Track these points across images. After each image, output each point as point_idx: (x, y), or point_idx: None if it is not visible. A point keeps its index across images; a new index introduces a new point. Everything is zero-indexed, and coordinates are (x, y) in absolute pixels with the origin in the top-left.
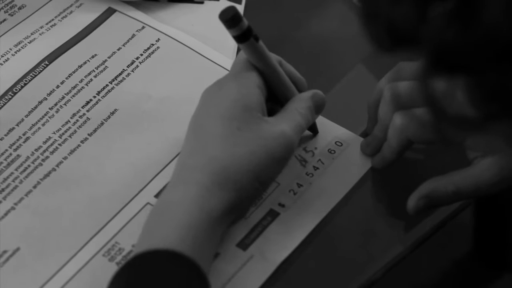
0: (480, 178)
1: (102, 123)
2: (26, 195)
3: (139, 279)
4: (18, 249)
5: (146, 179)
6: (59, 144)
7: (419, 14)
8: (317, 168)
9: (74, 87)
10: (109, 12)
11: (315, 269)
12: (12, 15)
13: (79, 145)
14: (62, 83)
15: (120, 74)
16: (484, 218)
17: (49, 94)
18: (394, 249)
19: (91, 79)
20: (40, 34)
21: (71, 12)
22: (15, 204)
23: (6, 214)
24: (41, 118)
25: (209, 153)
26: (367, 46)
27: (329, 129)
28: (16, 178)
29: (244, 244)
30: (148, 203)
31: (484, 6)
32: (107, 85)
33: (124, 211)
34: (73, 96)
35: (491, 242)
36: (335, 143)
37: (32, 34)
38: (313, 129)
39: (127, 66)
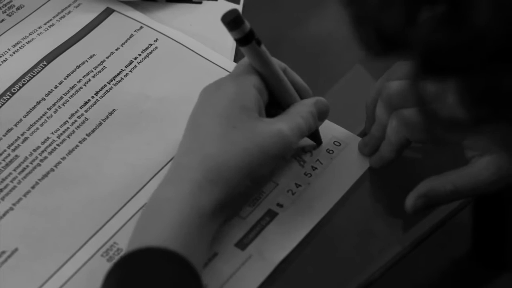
0: (478, 177)
1: (100, 123)
2: (24, 195)
3: (130, 277)
4: (16, 249)
5: (145, 179)
6: (58, 145)
7: (409, 18)
8: (316, 168)
9: (72, 87)
10: (107, 12)
11: (314, 269)
12: (10, 15)
13: (77, 146)
14: (60, 83)
15: (118, 74)
16: (483, 218)
17: (47, 95)
18: (393, 248)
19: (89, 79)
20: (38, 34)
21: (69, 12)
22: (14, 204)
23: (4, 214)
24: (39, 119)
25: (204, 151)
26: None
27: (328, 129)
28: (14, 178)
29: (242, 244)
30: (146, 203)
31: (473, 9)
32: (105, 85)
33: (122, 211)
34: (72, 96)
35: (490, 242)
36: (334, 143)
37: (30, 34)
38: (316, 138)
39: (125, 66)
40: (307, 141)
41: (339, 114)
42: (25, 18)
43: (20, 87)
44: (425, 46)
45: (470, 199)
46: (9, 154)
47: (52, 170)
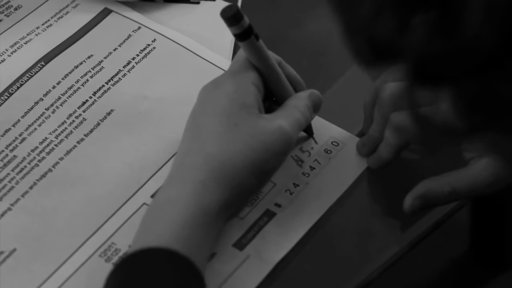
0: (476, 178)
1: (98, 124)
2: (22, 196)
3: (133, 277)
4: (14, 250)
5: (143, 180)
6: (56, 145)
7: (401, 26)
8: (314, 168)
9: (70, 88)
10: (105, 13)
11: (312, 269)
12: (8, 16)
13: (75, 146)
14: (58, 83)
15: (116, 74)
16: (481, 218)
17: (45, 95)
18: (391, 249)
19: (87, 80)
20: (36, 34)
21: (67, 12)
22: (11, 205)
23: (2, 215)
24: (37, 119)
25: (206, 150)
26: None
27: (326, 129)
28: (12, 179)
29: (240, 244)
30: (144, 203)
31: (465, 17)
32: (103, 86)
33: (120, 212)
34: (70, 96)
35: (488, 242)
36: (332, 143)
37: (28, 34)
38: (309, 130)
39: (123, 67)
40: (300, 134)
41: (337, 114)
42: (23, 18)
43: (18, 88)
44: (418, 54)
45: (468, 200)
46: (7, 155)
47: (50, 170)
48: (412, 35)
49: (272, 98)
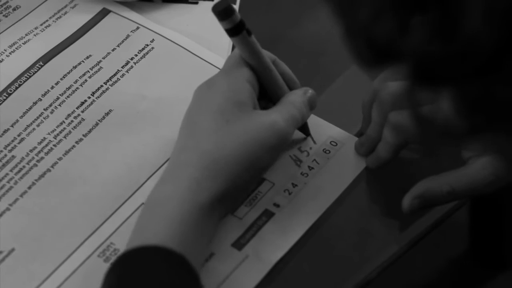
0: (475, 178)
1: (97, 124)
2: (21, 195)
3: (127, 276)
4: (13, 249)
5: (141, 180)
6: (54, 145)
7: (400, 28)
8: (312, 168)
9: (68, 88)
10: (104, 13)
11: (310, 269)
12: (6, 16)
13: (74, 146)
14: (56, 84)
15: (114, 74)
16: (479, 217)
17: (43, 95)
18: (390, 248)
19: (86, 80)
20: (34, 35)
21: (65, 13)
22: (10, 205)
23: (1, 215)
24: (36, 119)
25: (201, 148)
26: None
27: (324, 129)
28: (11, 179)
29: (239, 244)
30: (143, 203)
31: (465, 18)
32: (101, 86)
33: (119, 212)
34: (68, 97)
35: (486, 241)
36: (330, 143)
37: (26, 35)
38: (305, 130)
39: (121, 67)
40: (297, 134)
41: (336, 114)
42: (21, 18)
43: (17, 88)
44: (417, 56)
45: (466, 199)
46: (5, 155)
47: (48, 170)
48: (412, 36)
49: (266, 97)
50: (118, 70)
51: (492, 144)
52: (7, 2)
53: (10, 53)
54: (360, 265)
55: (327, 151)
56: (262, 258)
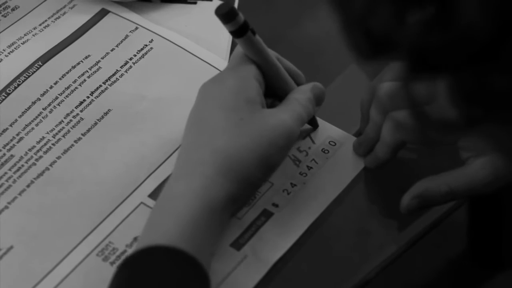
0: (473, 178)
1: (95, 123)
2: (19, 194)
3: (136, 277)
4: (11, 247)
5: (140, 179)
6: (53, 144)
7: (397, 19)
8: (311, 167)
9: (67, 88)
10: (102, 13)
11: (309, 269)
12: (5, 16)
13: (72, 145)
14: (55, 83)
15: (113, 74)
16: (478, 217)
17: (42, 95)
18: (388, 248)
19: (85, 80)
20: (33, 35)
21: (64, 13)
22: (9, 203)
23: None
24: (34, 119)
25: (214, 145)
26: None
27: (323, 129)
28: (9, 177)
29: (238, 244)
30: (141, 203)
31: (461, 7)
32: (100, 86)
33: (117, 211)
34: (67, 96)
35: (485, 241)
36: (329, 142)
37: (25, 35)
38: (313, 122)
39: (120, 67)
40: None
41: (334, 114)
42: (20, 19)
43: (16, 88)
44: (414, 45)
45: (465, 199)
46: (4, 154)
47: (47, 169)
48: (409, 27)
49: (273, 95)
50: (117, 70)
51: (490, 137)
52: (5, 2)
53: (9, 53)
54: (359, 265)
55: (326, 151)
56: (261, 258)
